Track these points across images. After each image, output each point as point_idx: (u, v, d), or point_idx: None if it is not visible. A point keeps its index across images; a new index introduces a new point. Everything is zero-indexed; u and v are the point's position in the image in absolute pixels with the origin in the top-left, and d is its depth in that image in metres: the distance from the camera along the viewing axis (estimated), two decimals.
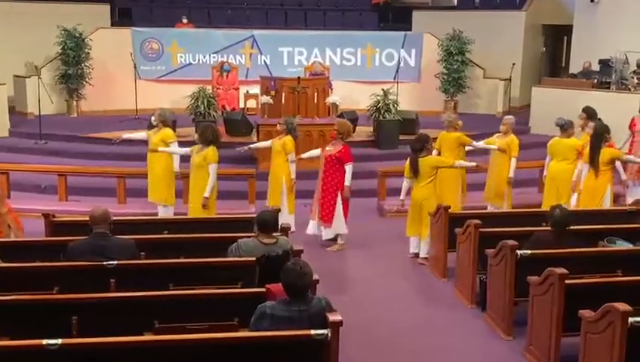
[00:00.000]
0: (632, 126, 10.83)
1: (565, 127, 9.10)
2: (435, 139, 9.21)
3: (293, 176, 9.22)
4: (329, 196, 8.78)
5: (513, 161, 9.32)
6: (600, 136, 8.55)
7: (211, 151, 8.34)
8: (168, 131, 9.33)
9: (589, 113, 9.57)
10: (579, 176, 8.77)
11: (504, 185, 9.39)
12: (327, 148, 8.93)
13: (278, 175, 9.19)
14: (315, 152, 9.46)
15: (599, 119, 9.21)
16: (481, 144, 9.67)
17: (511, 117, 9.98)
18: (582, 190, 8.71)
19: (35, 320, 4.72)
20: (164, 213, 9.25)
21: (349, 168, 8.77)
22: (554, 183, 9.04)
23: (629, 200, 9.71)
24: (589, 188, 8.62)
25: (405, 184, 8.55)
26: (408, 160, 8.41)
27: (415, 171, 8.29)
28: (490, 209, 9.65)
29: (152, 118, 9.71)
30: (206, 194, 8.23)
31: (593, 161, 8.49)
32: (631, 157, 9.76)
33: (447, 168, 8.79)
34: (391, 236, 9.40)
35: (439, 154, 9.30)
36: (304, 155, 9.53)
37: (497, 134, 9.68)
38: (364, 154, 12.52)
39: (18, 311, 4.82)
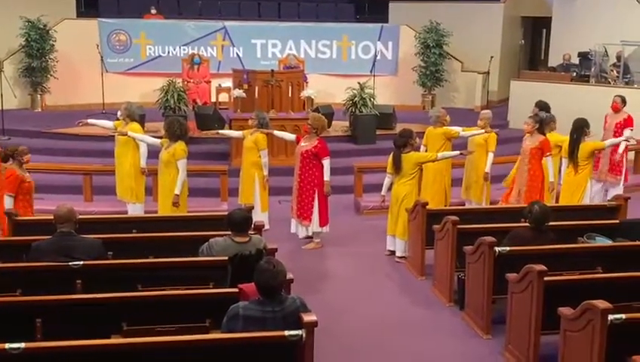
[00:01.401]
0: (606, 124, 10.90)
1: (546, 122, 9.17)
2: (419, 134, 9.22)
3: (266, 172, 9.19)
4: (307, 193, 8.77)
5: (490, 155, 9.38)
6: (580, 130, 8.64)
7: (179, 147, 8.27)
8: (135, 125, 9.27)
9: (542, 107, 9.59)
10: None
11: (482, 180, 9.46)
12: (302, 144, 8.89)
13: (251, 172, 9.16)
14: (289, 136, 9.47)
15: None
16: (467, 134, 9.64)
17: (488, 111, 10.03)
18: (561, 185, 8.82)
19: None
20: (134, 210, 9.19)
21: (326, 163, 8.76)
22: None
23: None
24: (568, 184, 8.72)
25: (387, 180, 8.59)
26: (391, 155, 8.44)
27: (397, 167, 8.32)
28: (468, 205, 9.71)
29: (119, 113, 9.63)
30: (176, 191, 8.18)
31: (572, 156, 8.57)
32: (612, 140, 9.85)
33: (432, 163, 8.86)
34: (368, 234, 9.43)
35: (427, 150, 9.32)
36: (277, 132, 9.54)
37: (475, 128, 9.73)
38: (341, 150, 12.52)
39: None
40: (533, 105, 10.47)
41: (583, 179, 8.70)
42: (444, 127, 9.48)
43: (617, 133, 10.64)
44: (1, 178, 7.83)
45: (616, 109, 10.76)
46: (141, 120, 11.38)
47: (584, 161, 8.61)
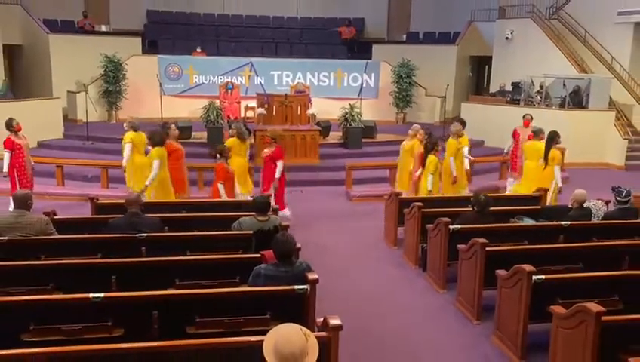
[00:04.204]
0: (515, 135, 10.43)
1: (538, 133, 8.99)
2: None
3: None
4: (267, 187, 8.54)
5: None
6: (552, 139, 8.54)
7: (154, 152, 7.88)
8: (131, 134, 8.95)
9: (461, 121, 9.41)
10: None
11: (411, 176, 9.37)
12: (265, 151, 8.76)
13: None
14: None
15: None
16: (467, 162, 9.25)
17: (417, 126, 9.88)
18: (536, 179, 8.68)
19: (84, 279, 4.67)
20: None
21: (280, 164, 8.51)
22: (530, 175, 8.91)
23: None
24: (543, 176, 8.59)
25: (418, 173, 8.67)
26: (421, 155, 8.55)
27: (423, 165, 8.45)
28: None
29: (125, 125, 9.26)
30: (147, 183, 7.84)
31: (546, 157, 8.51)
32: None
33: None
34: (355, 215, 9.42)
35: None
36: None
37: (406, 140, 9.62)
38: (336, 153, 12.53)
39: (70, 271, 4.77)
40: (478, 121, 10.44)
41: (551, 173, 8.54)
42: (456, 142, 9.05)
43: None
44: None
45: (527, 125, 10.44)
46: (188, 131, 11.27)
47: (552, 162, 8.52)
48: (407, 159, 9.40)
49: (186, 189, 8.54)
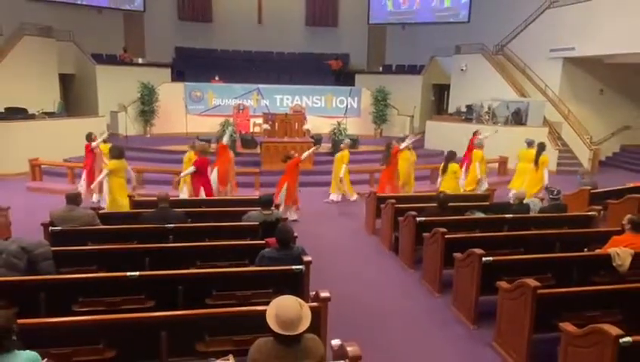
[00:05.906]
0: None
1: (531, 143, 9.19)
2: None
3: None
4: (197, 187, 7.99)
5: (344, 167, 9.34)
6: (541, 148, 8.77)
7: (111, 164, 7.47)
8: (105, 146, 8.82)
9: (399, 139, 9.45)
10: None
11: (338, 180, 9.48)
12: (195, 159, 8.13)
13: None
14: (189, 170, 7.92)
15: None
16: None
17: (348, 140, 9.87)
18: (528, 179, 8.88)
19: (122, 261, 4.63)
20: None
21: (192, 168, 7.76)
22: (521, 174, 9.09)
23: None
24: (533, 178, 8.83)
25: (440, 178, 8.76)
26: (442, 165, 8.64)
27: (444, 171, 8.56)
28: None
29: (102, 138, 9.26)
30: (92, 186, 7.89)
31: (536, 163, 8.72)
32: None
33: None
34: (341, 212, 9.38)
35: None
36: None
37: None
38: (325, 161, 12.48)
39: (111, 255, 4.73)
40: (440, 135, 10.40)
41: (542, 174, 8.72)
42: (481, 153, 9.42)
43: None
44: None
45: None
46: (207, 142, 11.05)
47: (542, 165, 8.74)
48: (338, 166, 9.47)
49: (199, 192, 8.36)
